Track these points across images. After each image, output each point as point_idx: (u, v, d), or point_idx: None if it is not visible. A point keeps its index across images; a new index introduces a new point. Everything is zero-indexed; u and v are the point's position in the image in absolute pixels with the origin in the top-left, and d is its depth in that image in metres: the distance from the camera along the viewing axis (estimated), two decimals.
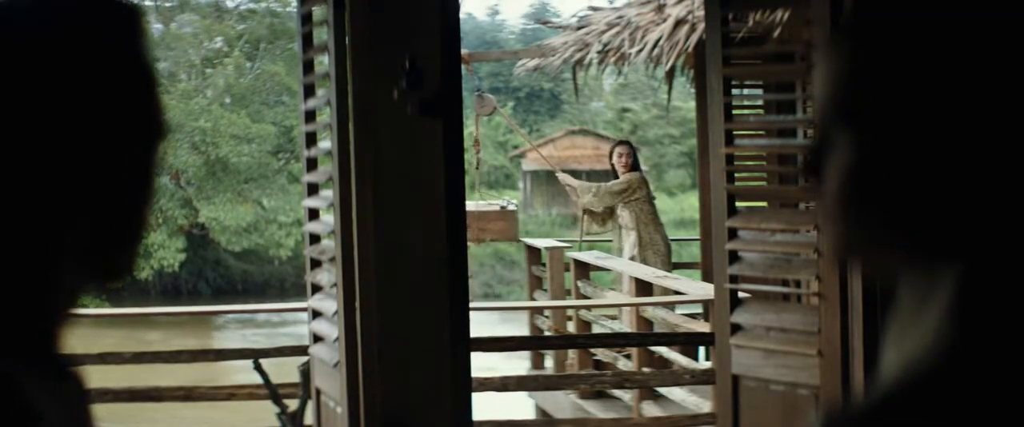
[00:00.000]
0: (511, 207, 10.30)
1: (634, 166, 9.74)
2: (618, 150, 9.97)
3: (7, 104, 0.95)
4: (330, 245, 4.61)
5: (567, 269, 9.67)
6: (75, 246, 0.98)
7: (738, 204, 4.63)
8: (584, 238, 10.19)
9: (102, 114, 0.98)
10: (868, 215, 0.88)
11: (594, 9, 10.16)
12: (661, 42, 8.60)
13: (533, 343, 9.56)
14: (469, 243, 10.68)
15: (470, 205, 10.04)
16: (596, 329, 9.12)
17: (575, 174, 11.77)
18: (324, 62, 4.62)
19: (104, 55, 0.99)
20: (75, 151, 0.97)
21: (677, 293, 7.99)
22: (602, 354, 8.52)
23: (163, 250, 23.91)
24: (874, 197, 0.87)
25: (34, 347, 0.98)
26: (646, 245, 9.43)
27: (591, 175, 10.84)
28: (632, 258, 9.44)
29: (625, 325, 8.68)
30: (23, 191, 0.95)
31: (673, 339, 7.59)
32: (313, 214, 4.92)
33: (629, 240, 9.58)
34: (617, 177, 9.71)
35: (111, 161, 0.99)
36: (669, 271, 9.13)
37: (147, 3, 26.25)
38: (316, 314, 4.88)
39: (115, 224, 1.00)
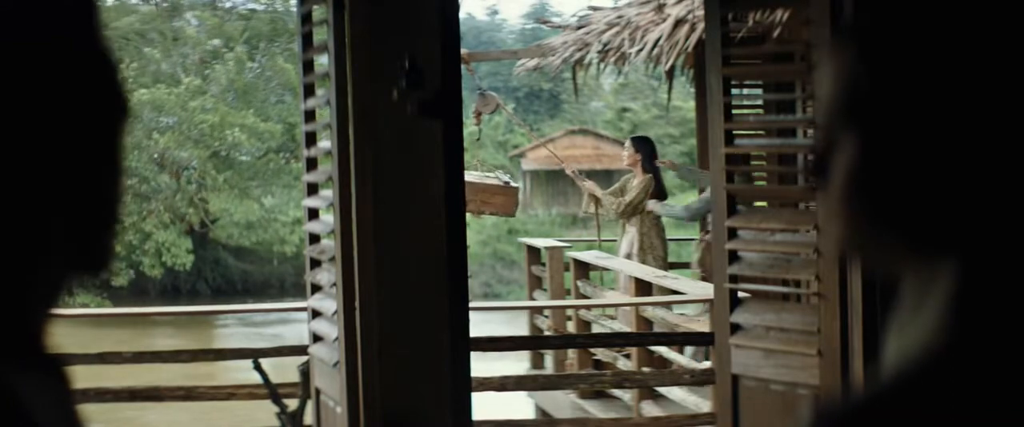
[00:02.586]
0: (513, 183, 10.23)
1: (648, 164, 9.63)
2: (626, 147, 9.92)
3: None
4: (330, 245, 4.61)
5: (567, 269, 9.67)
6: (52, 240, 0.98)
7: (738, 204, 4.64)
8: (602, 239, 10.17)
9: (62, 103, 0.97)
10: (871, 212, 0.88)
11: (594, 9, 10.16)
12: (661, 42, 8.60)
13: (533, 343, 9.56)
14: (468, 215, 10.61)
15: (473, 176, 9.96)
16: (596, 329, 9.12)
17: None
18: (324, 62, 4.62)
19: (57, 42, 0.97)
20: (40, 142, 0.96)
21: (677, 293, 7.99)
22: (602, 354, 8.52)
23: (175, 249, 23.93)
24: (877, 194, 0.87)
25: (19, 344, 0.97)
26: (646, 249, 9.43)
27: (590, 175, 10.74)
28: (628, 256, 9.44)
29: (623, 324, 8.67)
30: None
31: (672, 339, 7.59)
32: (313, 214, 4.93)
33: (627, 238, 9.59)
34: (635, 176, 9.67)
35: (76, 150, 0.98)
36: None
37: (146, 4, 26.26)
38: (316, 314, 4.88)
39: (88, 214, 0.99)
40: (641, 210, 9.48)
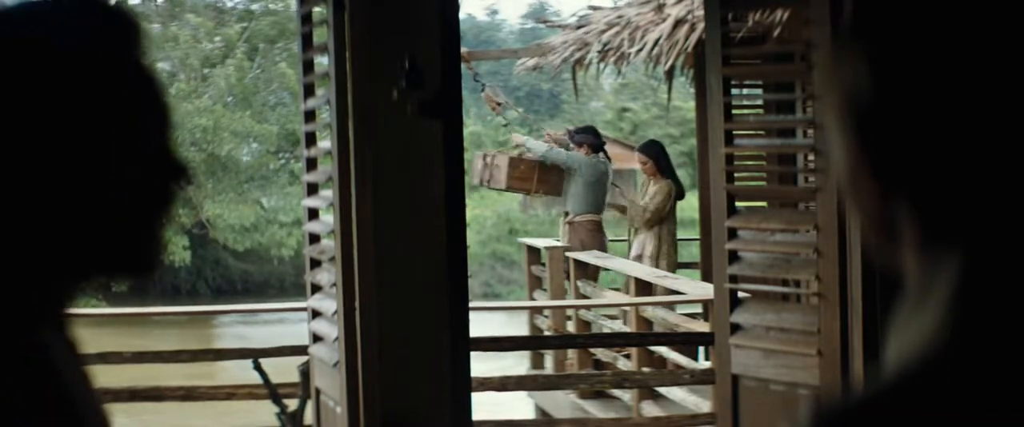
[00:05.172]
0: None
1: (662, 170, 9.67)
2: (637, 157, 9.97)
3: (21, 101, 1.01)
4: (330, 245, 4.61)
5: (567, 270, 9.67)
6: (82, 236, 1.05)
7: (738, 204, 4.64)
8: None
9: (103, 112, 1.04)
10: (880, 205, 0.89)
11: (594, 9, 10.15)
12: (661, 42, 8.59)
13: (533, 343, 9.56)
14: (522, 195, 10.59)
15: (531, 155, 10.02)
16: (596, 329, 9.12)
17: None
18: (324, 62, 4.62)
19: (105, 61, 1.05)
20: (79, 145, 1.03)
21: (677, 293, 7.99)
22: (602, 354, 8.52)
23: (171, 245, 23.93)
24: (886, 187, 0.88)
25: (51, 313, 1.08)
26: (660, 256, 9.46)
27: None
28: (638, 257, 9.47)
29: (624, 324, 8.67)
30: (35, 185, 1.02)
31: (673, 339, 7.58)
32: (313, 214, 4.92)
33: (639, 240, 9.62)
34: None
35: (113, 156, 1.04)
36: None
37: (147, 4, 26.25)
38: (316, 314, 4.88)
39: (128, 216, 1.06)
40: (665, 217, 9.47)
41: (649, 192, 9.62)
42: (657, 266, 9.23)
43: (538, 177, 9.97)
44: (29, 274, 1.04)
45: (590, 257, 9.42)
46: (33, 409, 1.00)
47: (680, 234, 12.95)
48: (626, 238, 10.28)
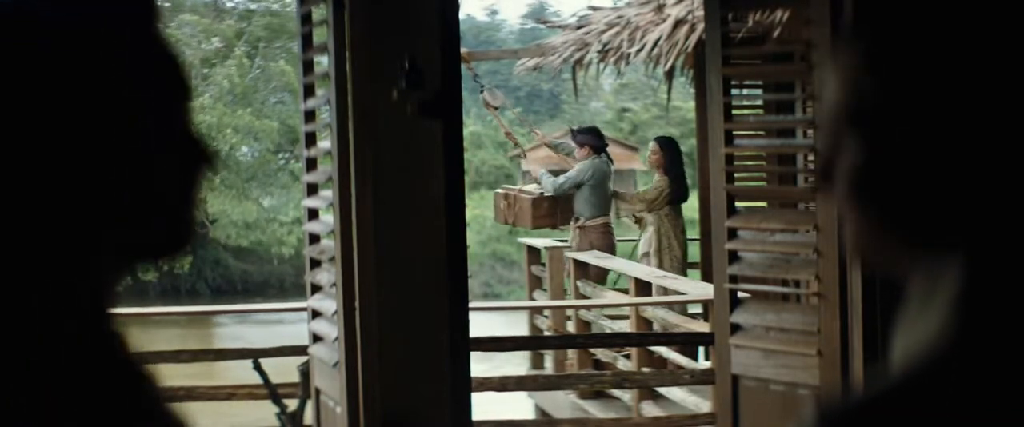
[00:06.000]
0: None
1: (664, 166, 9.76)
2: (650, 146, 10.10)
3: (30, 84, 0.99)
4: (330, 245, 4.61)
5: (567, 270, 9.68)
6: (116, 219, 1.03)
7: (738, 204, 4.64)
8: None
9: (123, 93, 1.02)
10: (878, 213, 0.88)
11: (594, 9, 10.15)
12: (661, 42, 8.59)
13: (533, 343, 9.56)
14: (549, 228, 10.71)
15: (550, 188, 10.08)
16: (596, 329, 9.11)
17: None
18: (324, 62, 4.62)
19: (121, 40, 1.03)
20: (104, 126, 1.01)
21: (677, 293, 7.99)
22: (602, 354, 8.52)
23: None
24: (883, 195, 0.87)
25: (77, 311, 1.05)
26: (663, 250, 9.49)
27: None
28: (645, 254, 9.50)
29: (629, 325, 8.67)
30: (56, 173, 1.00)
31: (673, 339, 7.58)
32: (313, 214, 4.92)
33: (645, 237, 9.65)
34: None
35: (139, 137, 1.02)
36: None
37: None
38: (316, 314, 4.88)
39: (154, 197, 1.04)
40: (655, 209, 9.57)
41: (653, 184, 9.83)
42: (661, 264, 9.27)
43: (561, 209, 10.10)
44: (33, 269, 1.02)
45: (590, 257, 9.42)
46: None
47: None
48: (633, 238, 10.32)
